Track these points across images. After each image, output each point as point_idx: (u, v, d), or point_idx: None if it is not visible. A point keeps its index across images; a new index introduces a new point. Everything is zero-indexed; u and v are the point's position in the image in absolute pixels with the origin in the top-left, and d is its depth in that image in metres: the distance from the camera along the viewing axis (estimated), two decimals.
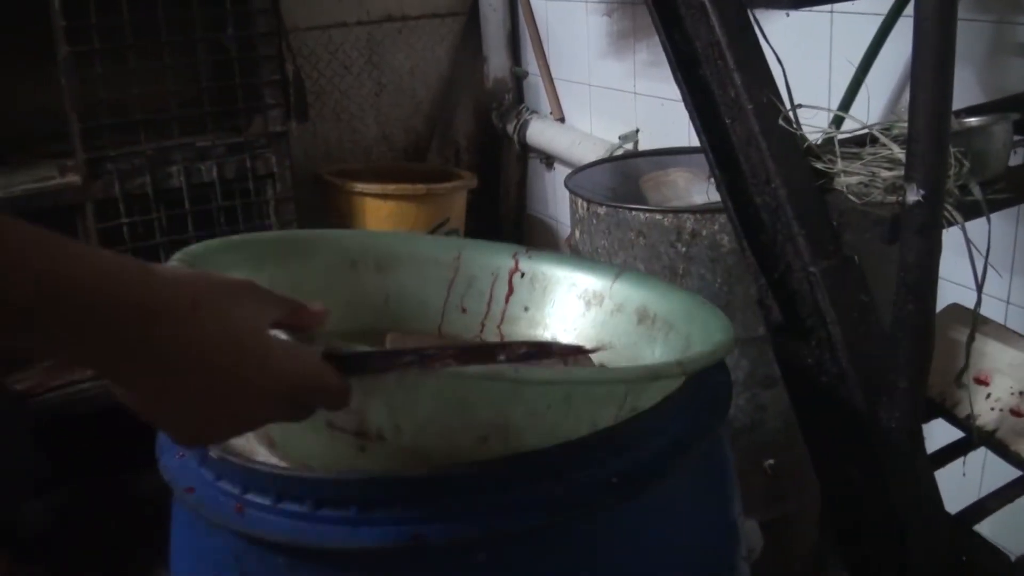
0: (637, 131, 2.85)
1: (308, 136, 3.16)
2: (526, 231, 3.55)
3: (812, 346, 1.29)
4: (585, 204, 2.04)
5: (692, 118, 1.32)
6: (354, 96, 3.30)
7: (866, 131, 1.31)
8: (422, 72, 3.41)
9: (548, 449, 0.86)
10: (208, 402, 0.68)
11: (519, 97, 3.44)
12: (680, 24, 1.31)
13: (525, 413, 0.85)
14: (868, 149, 1.29)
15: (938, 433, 1.43)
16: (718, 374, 1.03)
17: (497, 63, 3.39)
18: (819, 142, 1.29)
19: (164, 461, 0.97)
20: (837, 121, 1.83)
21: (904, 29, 1.81)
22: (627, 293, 1.18)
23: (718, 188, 1.33)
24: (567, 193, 2.14)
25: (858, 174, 1.20)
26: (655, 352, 1.09)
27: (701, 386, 1.00)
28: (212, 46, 2.57)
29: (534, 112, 3.34)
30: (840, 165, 1.21)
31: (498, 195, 3.50)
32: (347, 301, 1.28)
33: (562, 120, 3.22)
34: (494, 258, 1.30)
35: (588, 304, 1.21)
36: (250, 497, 0.86)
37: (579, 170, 2.33)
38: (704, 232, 1.88)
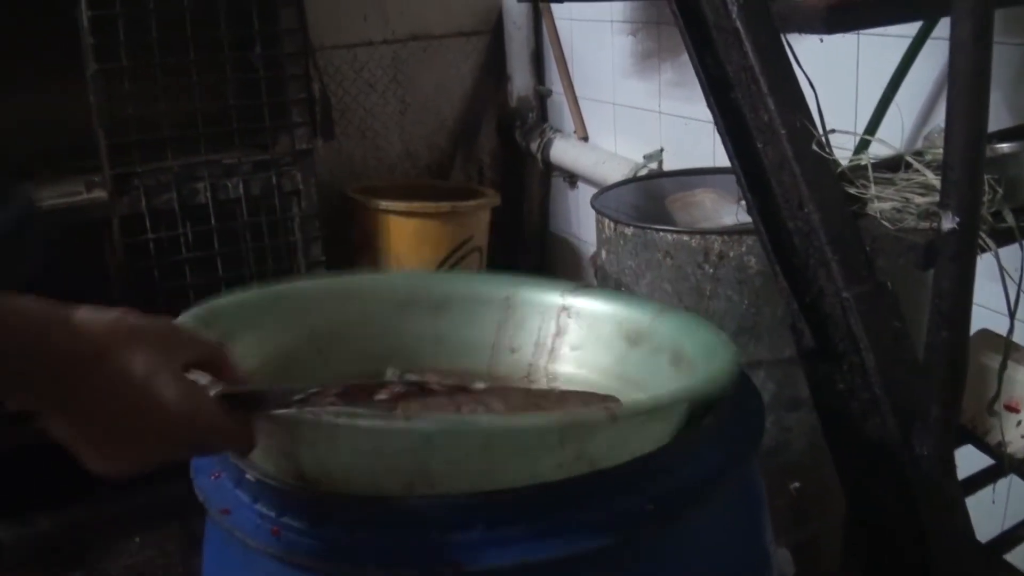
0: (661, 150, 2.85)
1: (333, 153, 3.18)
2: (549, 249, 3.55)
3: (844, 371, 1.28)
4: (612, 224, 2.04)
5: (724, 142, 1.32)
6: (379, 114, 3.32)
7: (898, 156, 1.31)
8: (446, 90, 3.42)
9: (583, 477, 0.86)
10: (113, 439, 0.76)
11: (543, 116, 3.45)
12: (712, 48, 1.31)
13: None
14: (901, 174, 1.29)
15: (966, 459, 1.42)
16: (751, 400, 1.03)
17: (521, 82, 3.41)
18: (848, 166, 1.28)
19: (199, 482, 0.98)
20: (863, 144, 1.83)
21: (931, 52, 1.81)
22: (664, 332, 1.15)
23: (750, 212, 1.33)
24: (590, 211, 2.14)
25: (891, 200, 1.20)
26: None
27: (735, 412, 1.00)
28: (239, 64, 2.59)
29: (558, 131, 3.35)
30: (873, 190, 1.21)
31: (521, 213, 3.51)
32: (397, 344, 1.29)
33: (586, 139, 3.22)
34: (543, 296, 1.29)
35: (632, 344, 1.19)
36: (287, 520, 0.86)
37: (605, 190, 2.33)
38: (731, 253, 1.88)
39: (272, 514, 0.88)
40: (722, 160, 2.50)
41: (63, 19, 2.38)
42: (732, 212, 2.04)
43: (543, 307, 1.29)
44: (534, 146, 3.35)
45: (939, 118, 1.86)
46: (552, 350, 1.27)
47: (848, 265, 1.21)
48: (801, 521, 2.00)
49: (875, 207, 1.21)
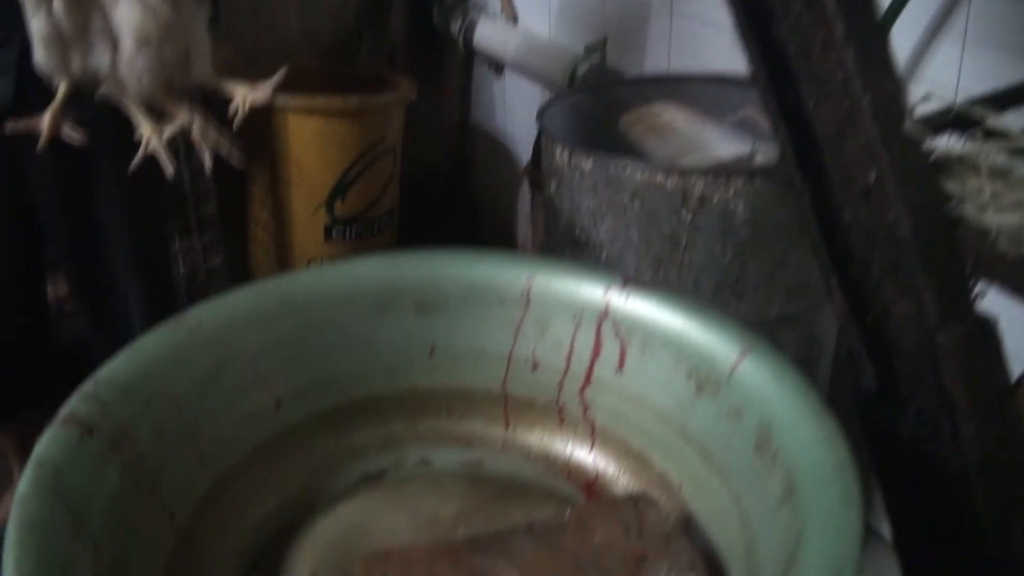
0: (605, 41, 2.46)
1: (218, 34, 2.69)
2: (469, 145, 3.16)
3: (910, 415, 0.97)
4: (567, 153, 1.67)
5: (766, 103, 0.96)
6: None
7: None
8: None
9: None
10: None
11: None
12: None
13: None
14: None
15: None
16: None
17: None
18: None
19: None
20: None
21: None
22: (751, 390, 0.80)
23: (798, 198, 0.97)
24: (519, 105, 1.78)
25: (1009, 211, 0.85)
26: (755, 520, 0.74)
27: None
28: None
29: (483, 11, 2.90)
30: (988, 188, 0.86)
31: (438, 104, 3.10)
32: (375, 358, 0.98)
33: (515, 20, 2.80)
34: (578, 291, 0.96)
35: (700, 388, 0.85)
36: None
37: (553, 101, 1.95)
38: (716, 198, 1.54)
39: None
40: (683, 61, 2.15)
41: None
42: (720, 139, 1.67)
43: (577, 308, 0.96)
44: (455, 28, 2.90)
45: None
46: (591, 371, 0.94)
47: (941, 294, 0.88)
48: None
49: (987, 216, 0.86)
